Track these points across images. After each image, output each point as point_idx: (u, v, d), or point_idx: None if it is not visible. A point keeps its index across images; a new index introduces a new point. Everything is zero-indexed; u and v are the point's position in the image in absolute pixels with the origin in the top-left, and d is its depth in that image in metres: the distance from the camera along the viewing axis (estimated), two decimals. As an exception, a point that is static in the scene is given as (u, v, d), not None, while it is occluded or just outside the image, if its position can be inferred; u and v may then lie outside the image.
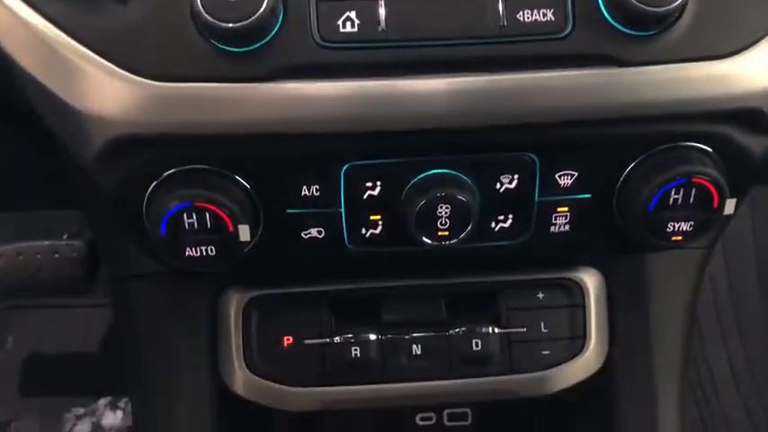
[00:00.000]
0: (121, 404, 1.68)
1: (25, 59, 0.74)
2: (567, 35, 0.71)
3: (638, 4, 0.68)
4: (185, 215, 0.74)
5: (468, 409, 1.22)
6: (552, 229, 0.82)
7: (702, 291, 1.03)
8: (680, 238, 0.78)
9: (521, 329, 0.95)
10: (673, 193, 0.75)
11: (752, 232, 1.83)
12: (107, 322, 1.72)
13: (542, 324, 0.96)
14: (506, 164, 0.77)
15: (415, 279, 0.95)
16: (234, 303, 0.95)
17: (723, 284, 1.79)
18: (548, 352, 0.96)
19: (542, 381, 0.97)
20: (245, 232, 0.76)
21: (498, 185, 0.78)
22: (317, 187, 0.77)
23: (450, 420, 1.22)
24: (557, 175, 0.78)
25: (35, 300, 1.68)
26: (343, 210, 0.79)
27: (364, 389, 0.96)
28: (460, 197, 0.75)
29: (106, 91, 0.72)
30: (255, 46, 0.70)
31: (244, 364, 0.95)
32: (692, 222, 0.77)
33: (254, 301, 0.95)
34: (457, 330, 0.95)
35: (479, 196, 0.77)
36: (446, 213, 0.76)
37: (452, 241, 0.78)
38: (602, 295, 0.97)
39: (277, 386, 0.96)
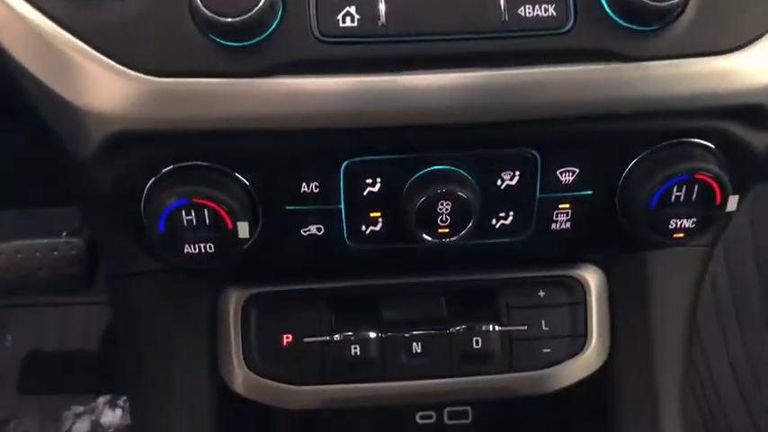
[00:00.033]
0: (121, 402, 1.67)
1: (22, 55, 0.74)
2: (568, 30, 0.70)
3: None
4: (184, 212, 0.74)
5: (468, 408, 1.22)
6: (553, 226, 0.81)
7: (703, 290, 1.03)
8: (682, 235, 0.78)
9: (521, 327, 0.95)
10: (675, 189, 0.75)
11: (752, 232, 1.82)
12: (106, 320, 1.72)
13: (543, 322, 0.95)
14: (507, 160, 0.77)
15: (416, 276, 0.95)
16: (233, 301, 0.95)
17: (723, 283, 1.79)
18: (548, 350, 0.96)
19: (543, 379, 0.97)
20: (243, 229, 0.75)
21: (499, 182, 0.78)
22: (317, 184, 0.77)
23: (450, 419, 1.22)
24: (558, 172, 0.78)
25: (34, 298, 1.68)
26: (342, 207, 0.78)
27: (364, 387, 0.96)
28: (461, 194, 0.75)
29: (104, 86, 0.71)
30: (254, 41, 0.69)
31: (243, 363, 0.95)
32: (694, 219, 0.77)
33: (253, 298, 0.94)
34: (457, 328, 0.94)
35: (480, 193, 0.77)
36: (446, 210, 0.75)
37: (453, 238, 0.77)
38: (603, 293, 0.97)
39: (276, 384, 0.95)
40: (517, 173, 0.77)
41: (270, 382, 0.95)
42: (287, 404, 0.97)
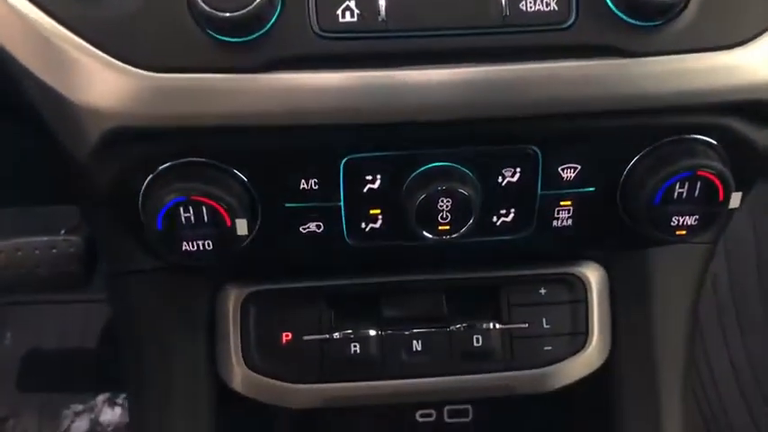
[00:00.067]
0: (120, 400, 1.67)
1: (20, 51, 0.73)
2: (570, 25, 0.70)
3: None
4: (182, 209, 0.73)
5: (468, 406, 1.22)
6: (555, 223, 0.81)
7: (703, 290, 1.03)
8: (684, 232, 0.78)
9: (522, 325, 0.95)
10: (677, 186, 0.75)
11: (753, 231, 1.82)
12: (105, 318, 1.72)
13: (544, 320, 0.95)
14: (508, 157, 0.76)
15: (416, 274, 0.95)
16: (232, 299, 0.94)
17: (724, 283, 1.79)
18: (549, 348, 0.95)
19: (544, 377, 0.96)
20: (242, 226, 0.75)
21: (500, 179, 0.77)
22: (316, 180, 0.76)
23: (450, 417, 1.21)
24: (560, 169, 0.77)
25: (33, 295, 1.68)
26: (342, 203, 0.78)
27: (364, 385, 0.95)
28: (462, 191, 0.74)
29: (102, 82, 0.71)
30: (253, 36, 0.69)
31: (242, 361, 0.95)
32: (696, 216, 0.76)
33: (252, 296, 0.94)
34: (458, 326, 0.94)
35: (481, 190, 0.76)
36: (447, 207, 0.75)
37: (453, 236, 0.77)
38: (604, 291, 0.97)
39: (276, 383, 0.95)
40: (518, 169, 0.77)
41: (269, 380, 0.95)
42: (286, 403, 0.97)
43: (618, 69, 0.71)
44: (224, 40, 0.69)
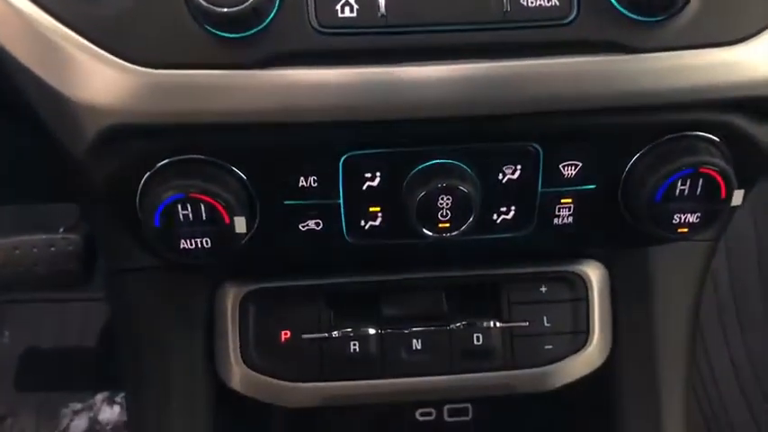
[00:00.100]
0: (119, 399, 1.67)
1: (17, 48, 0.73)
2: (571, 21, 0.69)
3: None
4: (180, 206, 0.73)
5: (468, 405, 1.22)
6: (555, 221, 0.81)
7: (704, 288, 1.02)
8: (686, 230, 0.77)
9: (523, 323, 0.94)
10: (679, 183, 0.74)
11: (754, 229, 1.82)
12: (104, 316, 1.72)
13: (545, 318, 0.95)
14: (509, 154, 0.76)
15: (416, 272, 0.94)
16: (231, 297, 0.94)
17: (724, 282, 1.79)
18: (550, 346, 0.95)
19: (545, 376, 0.96)
20: (240, 224, 0.74)
21: (501, 176, 0.77)
22: (315, 178, 0.76)
23: (450, 416, 1.21)
24: (560, 166, 0.77)
25: (31, 294, 1.68)
26: (341, 201, 0.78)
27: (363, 384, 0.95)
28: (462, 188, 0.74)
29: (99, 79, 0.71)
30: (251, 32, 0.68)
31: (241, 360, 0.95)
32: (698, 214, 0.76)
33: (251, 295, 0.94)
34: (458, 324, 0.94)
35: (481, 187, 0.76)
36: (447, 205, 0.74)
37: (453, 233, 0.77)
38: (605, 289, 0.96)
39: (275, 381, 0.95)
40: (519, 167, 0.76)
41: (268, 379, 0.95)
42: (285, 402, 0.96)
43: (619, 65, 0.71)
44: (222, 36, 0.68)
